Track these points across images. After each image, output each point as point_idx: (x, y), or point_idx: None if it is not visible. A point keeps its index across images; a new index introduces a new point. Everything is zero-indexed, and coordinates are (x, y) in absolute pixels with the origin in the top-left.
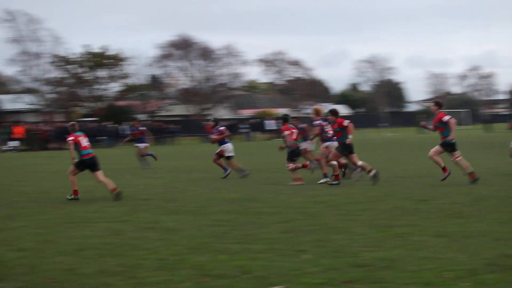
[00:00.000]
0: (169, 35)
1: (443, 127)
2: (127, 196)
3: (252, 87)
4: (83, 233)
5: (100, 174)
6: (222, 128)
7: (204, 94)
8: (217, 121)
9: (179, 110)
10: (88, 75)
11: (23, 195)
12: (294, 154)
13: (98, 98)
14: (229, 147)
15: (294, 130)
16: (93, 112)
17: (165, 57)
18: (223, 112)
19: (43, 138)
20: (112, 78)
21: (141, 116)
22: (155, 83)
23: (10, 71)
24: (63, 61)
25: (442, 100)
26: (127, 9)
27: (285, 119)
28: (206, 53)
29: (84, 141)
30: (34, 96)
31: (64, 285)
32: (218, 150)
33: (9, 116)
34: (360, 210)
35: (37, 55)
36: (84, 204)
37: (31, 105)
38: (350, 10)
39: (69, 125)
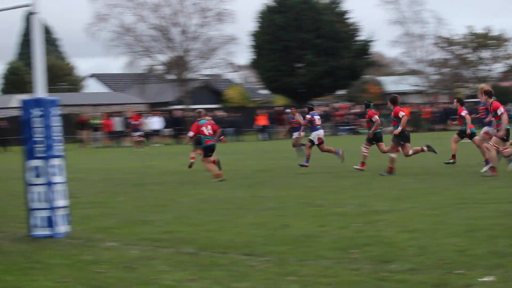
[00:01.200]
0: None
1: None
2: None
3: None
4: (474, 214)
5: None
6: (309, 116)
7: None
8: (310, 108)
9: None
10: (472, 56)
11: (410, 177)
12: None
13: (482, 79)
14: (321, 133)
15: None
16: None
17: None
18: None
19: (428, 119)
20: (495, 59)
21: None
22: None
23: (393, 53)
24: (446, 42)
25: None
26: None
27: (367, 105)
28: None
29: (206, 130)
30: (418, 77)
31: (455, 266)
32: (317, 140)
33: None
34: None
35: (421, 37)
36: (472, 185)
37: (415, 87)
38: None
39: (196, 112)
